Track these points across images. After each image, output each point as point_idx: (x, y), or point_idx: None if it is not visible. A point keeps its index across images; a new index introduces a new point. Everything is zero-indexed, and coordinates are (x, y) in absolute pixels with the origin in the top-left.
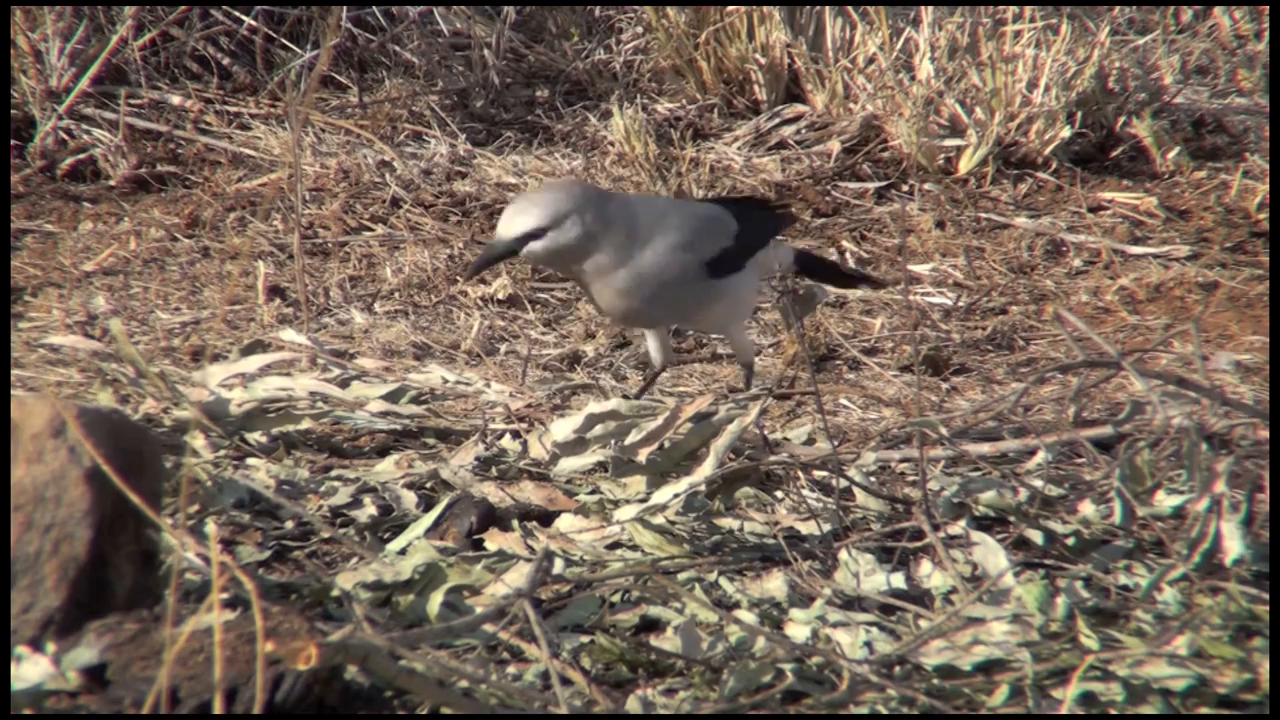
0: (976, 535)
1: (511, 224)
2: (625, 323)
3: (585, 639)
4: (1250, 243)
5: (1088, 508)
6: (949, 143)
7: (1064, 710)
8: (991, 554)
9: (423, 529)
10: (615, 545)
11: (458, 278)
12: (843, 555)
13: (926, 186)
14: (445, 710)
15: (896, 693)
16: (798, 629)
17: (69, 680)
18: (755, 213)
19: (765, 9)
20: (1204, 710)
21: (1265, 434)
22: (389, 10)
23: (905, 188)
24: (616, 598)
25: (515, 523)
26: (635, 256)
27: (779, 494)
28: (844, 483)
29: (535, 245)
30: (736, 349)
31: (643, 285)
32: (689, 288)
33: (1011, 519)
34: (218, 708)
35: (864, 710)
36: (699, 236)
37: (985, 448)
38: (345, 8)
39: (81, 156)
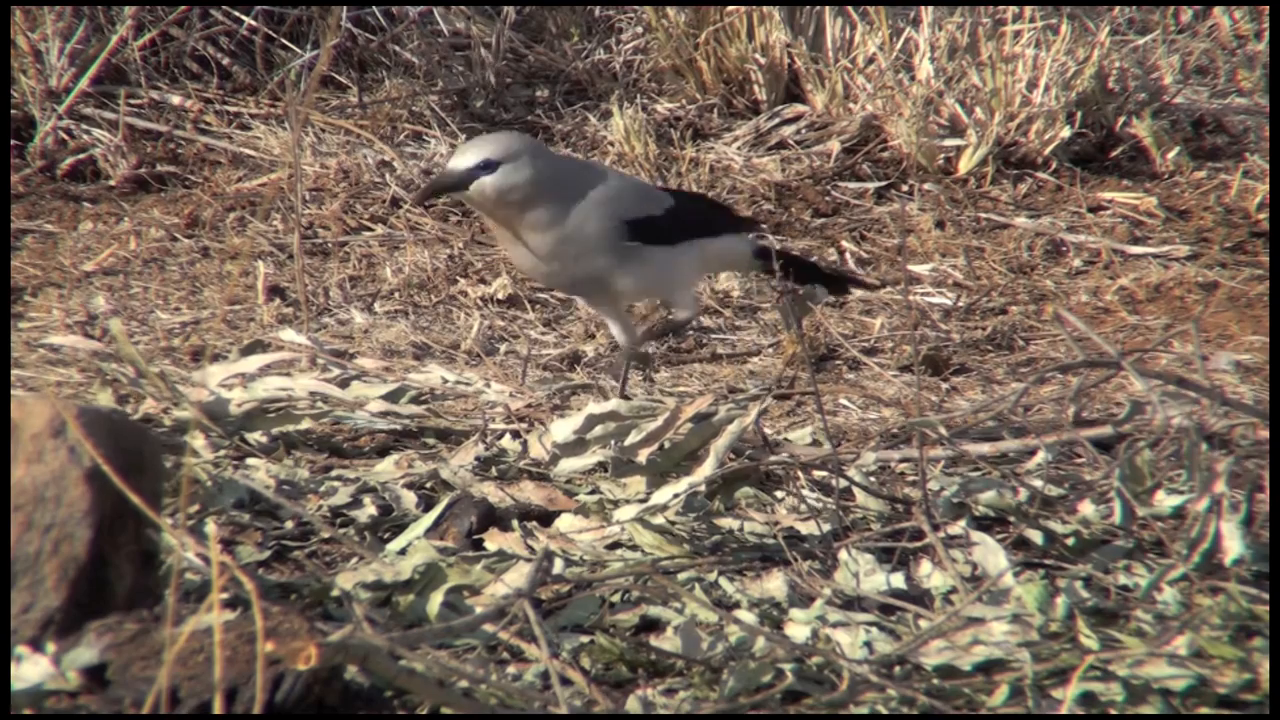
0: (976, 535)
1: (464, 156)
2: (548, 281)
3: (585, 639)
4: (1250, 243)
5: (1087, 508)
6: (949, 143)
7: (1064, 710)
8: (991, 554)
9: (423, 529)
10: (615, 545)
11: (407, 204)
12: (843, 555)
13: (926, 186)
14: (445, 710)
15: (896, 693)
16: (798, 629)
17: (69, 680)
18: (704, 204)
19: (765, 9)
20: (1204, 710)
21: (1265, 434)
22: (389, 10)
23: (905, 188)
24: (616, 598)
25: (515, 523)
26: (569, 214)
27: (779, 494)
28: (844, 483)
29: (487, 179)
30: (675, 306)
31: (566, 240)
32: (606, 241)
33: (1011, 519)
34: (218, 708)
35: (864, 710)
36: (625, 196)
37: (985, 448)
38: (345, 8)
39: (81, 156)
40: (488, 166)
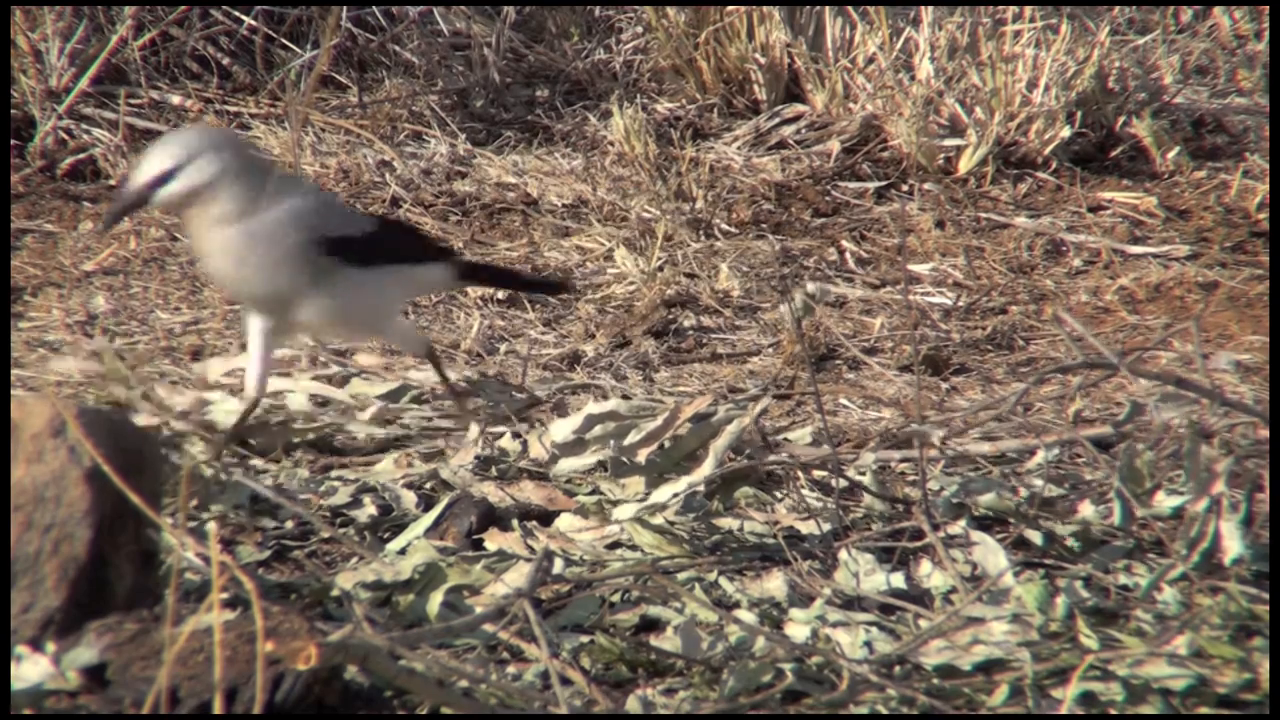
0: (976, 535)
1: (142, 170)
2: (238, 294)
3: (585, 639)
4: (1250, 243)
5: (1087, 508)
6: (949, 143)
7: (1064, 710)
8: (991, 554)
9: (423, 529)
10: (615, 545)
11: (97, 233)
12: (843, 555)
13: (926, 186)
14: (445, 710)
15: (896, 693)
16: (798, 629)
17: (69, 680)
18: (404, 233)
19: (765, 9)
20: (1204, 710)
21: (1265, 434)
22: (389, 10)
23: (905, 188)
24: (616, 598)
25: (515, 523)
26: (259, 213)
27: (779, 494)
28: (844, 482)
29: (169, 188)
30: (399, 341)
31: (256, 246)
32: (301, 255)
33: (1011, 520)
34: (218, 708)
35: (864, 710)
36: (326, 212)
37: (985, 447)
38: (345, 8)
39: (81, 156)
40: (165, 178)
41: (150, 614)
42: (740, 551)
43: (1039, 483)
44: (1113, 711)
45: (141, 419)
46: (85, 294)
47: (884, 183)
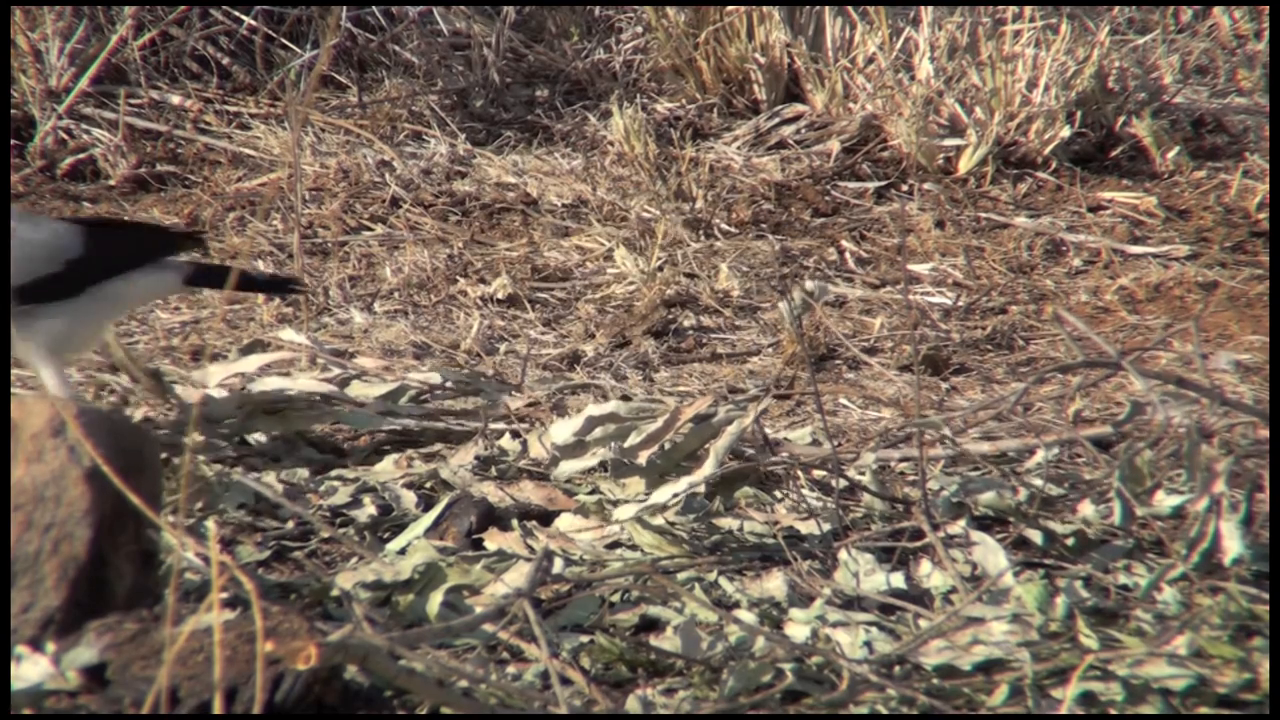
0: (976, 535)
1: None
2: None
3: (585, 639)
4: (1250, 242)
5: (1087, 508)
6: (949, 142)
7: (1064, 710)
8: (991, 554)
9: (422, 529)
10: (615, 545)
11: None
12: (842, 555)
13: (926, 186)
14: (445, 710)
15: (896, 692)
16: (797, 629)
17: (69, 680)
18: (126, 239)
19: (765, 9)
20: (1204, 710)
21: (1265, 434)
22: (389, 10)
23: (905, 187)
24: (616, 598)
25: (515, 522)
26: None
27: (779, 494)
28: (844, 482)
29: None
30: (45, 383)
31: None
32: None
33: (1011, 520)
34: (218, 708)
35: (864, 710)
36: (14, 259)
37: (985, 446)
38: (345, 8)
39: (81, 156)
40: None
41: (150, 614)
42: (740, 551)
43: (1039, 483)
44: (1113, 711)
45: (142, 410)
46: None
47: (884, 183)
